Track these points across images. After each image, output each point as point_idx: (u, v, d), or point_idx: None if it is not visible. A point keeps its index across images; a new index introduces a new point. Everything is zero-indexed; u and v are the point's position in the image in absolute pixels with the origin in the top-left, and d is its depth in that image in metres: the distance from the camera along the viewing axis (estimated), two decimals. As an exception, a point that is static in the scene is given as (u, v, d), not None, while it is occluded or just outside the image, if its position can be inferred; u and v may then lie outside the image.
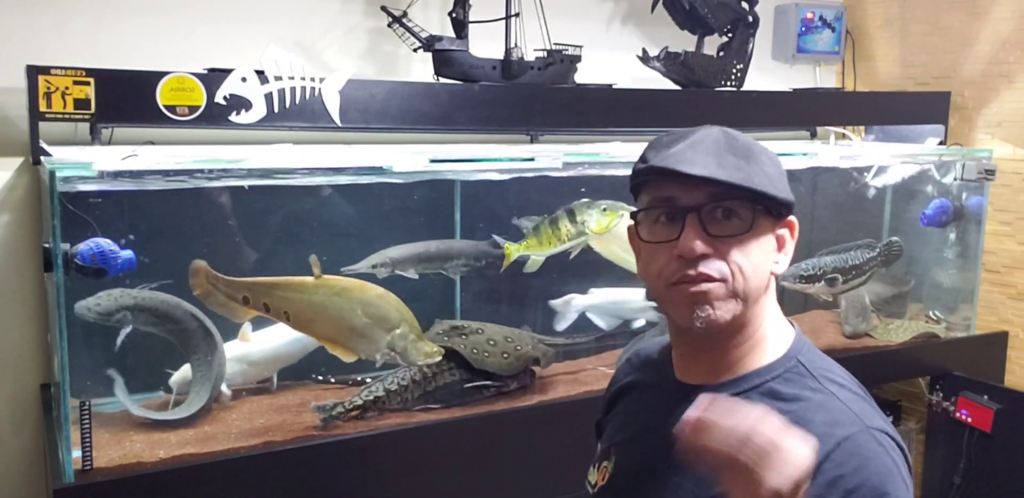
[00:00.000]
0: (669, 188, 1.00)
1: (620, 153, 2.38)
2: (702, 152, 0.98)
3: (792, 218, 1.04)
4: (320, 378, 2.29)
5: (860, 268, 2.85)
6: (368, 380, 2.22)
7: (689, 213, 0.98)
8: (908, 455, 1.01)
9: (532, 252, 2.34)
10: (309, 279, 2.04)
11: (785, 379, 1.02)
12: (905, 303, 3.15)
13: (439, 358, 2.15)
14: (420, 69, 2.58)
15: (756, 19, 2.83)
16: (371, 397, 2.11)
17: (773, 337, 1.06)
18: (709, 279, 0.98)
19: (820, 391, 1.01)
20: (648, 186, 1.03)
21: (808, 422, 0.95)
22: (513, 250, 2.32)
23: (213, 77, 1.98)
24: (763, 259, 1.01)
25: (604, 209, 2.34)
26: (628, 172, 1.06)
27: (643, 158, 1.02)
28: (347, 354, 2.08)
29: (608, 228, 2.34)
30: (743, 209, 0.99)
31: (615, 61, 2.78)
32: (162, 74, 1.94)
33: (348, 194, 2.35)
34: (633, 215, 1.06)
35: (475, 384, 2.20)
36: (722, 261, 0.99)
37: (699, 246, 0.97)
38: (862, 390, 1.06)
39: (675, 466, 1.00)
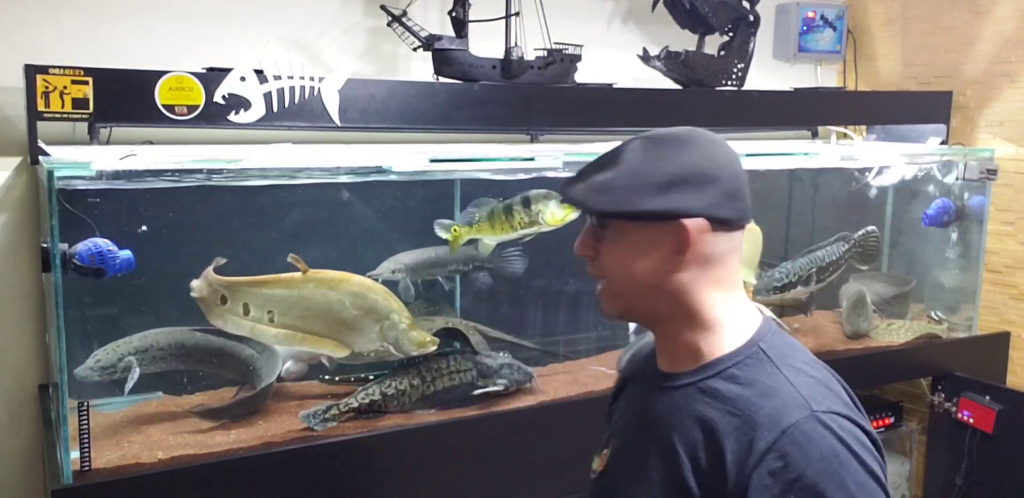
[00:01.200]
0: None
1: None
2: (585, 171, 1.13)
3: (685, 222, 1.06)
4: (326, 377, 2.28)
5: (837, 263, 2.85)
6: (371, 377, 2.20)
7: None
8: (872, 433, 1.04)
9: (484, 236, 2.32)
10: (296, 274, 2.01)
11: (745, 364, 1.08)
12: (907, 303, 3.15)
13: (433, 348, 2.12)
14: (420, 69, 2.58)
15: (757, 18, 2.82)
16: (367, 400, 2.10)
17: (732, 326, 1.12)
18: (596, 278, 1.14)
19: (774, 376, 1.06)
20: None
21: (756, 408, 1.02)
22: (463, 233, 2.30)
23: (212, 76, 1.98)
24: (632, 262, 1.10)
25: (561, 201, 2.29)
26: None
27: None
28: (337, 349, 2.06)
29: (563, 221, 2.32)
30: (605, 219, 1.11)
31: (615, 60, 2.77)
32: (161, 73, 1.93)
33: (350, 193, 2.35)
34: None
35: (482, 392, 2.19)
36: (599, 263, 1.13)
37: (577, 247, 1.14)
38: (824, 374, 1.11)
39: (648, 449, 1.10)
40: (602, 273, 1.13)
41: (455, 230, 2.29)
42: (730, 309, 1.12)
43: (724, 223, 1.08)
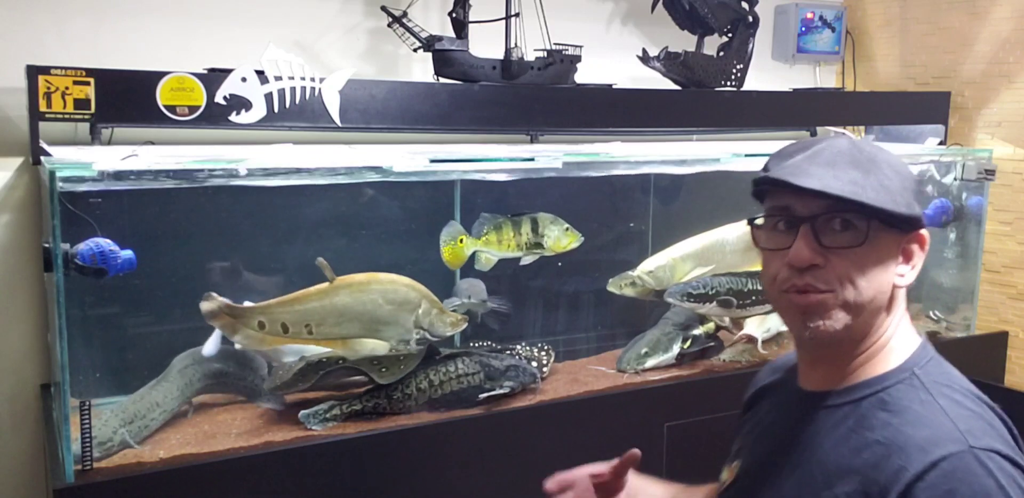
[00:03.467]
0: (786, 198, 1.01)
1: (619, 153, 2.38)
2: (820, 164, 0.99)
3: (923, 232, 1.03)
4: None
5: (762, 295, 2.54)
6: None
7: (803, 223, 1.00)
8: None
9: (488, 250, 2.33)
10: (325, 285, 2.06)
11: (896, 390, 1.01)
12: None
13: (465, 325, 2.22)
14: (420, 69, 2.58)
15: (756, 19, 2.83)
16: (371, 403, 2.10)
17: (894, 348, 1.05)
18: (817, 290, 1.00)
19: (928, 404, 0.98)
20: (769, 194, 1.05)
21: (905, 438, 0.95)
22: (469, 244, 2.31)
23: (213, 77, 1.98)
24: (879, 271, 1.01)
25: (567, 229, 2.38)
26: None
27: (765, 167, 1.05)
28: (378, 346, 2.12)
29: (565, 249, 2.37)
30: (858, 221, 0.99)
31: (615, 61, 2.78)
32: (162, 74, 1.94)
33: (349, 193, 2.35)
34: (751, 221, 1.08)
35: (488, 395, 2.19)
36: (833, 272, 0.99)
37: (808, 256, 0.99)
38: (985, 409, 1.01)
39: (786, 471, 1.04)
40: (833, 283, 1.00)
41: (461, 239, 2.30)
42: (901, 328, 1.06)
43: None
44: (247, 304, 2.03)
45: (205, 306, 1.95)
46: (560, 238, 2.37)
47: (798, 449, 1.04)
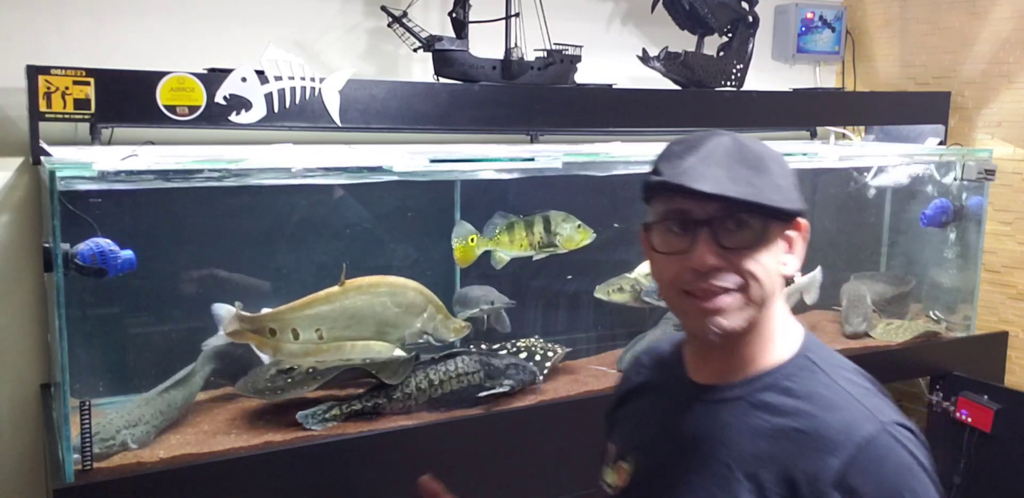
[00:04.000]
0: (681, 201, 1.00)
1: (619, 153, 2.38)
2: (713, 165, 0.99)
3: (802, 220, 1.05)
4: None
5: None
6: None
7: (701, 226, 0.99)
8: (923, 441, 1.01)
9: (501, 249, 2.34)
10: (335, 289, 2.08)
11: (798, 376, 1.03)
12: (907, 303, 3.15)
13: (467, 332, 2.24)
14: (420, 69, 2.58)
15: (756, 19, 2.83)
16: (371, 403, 2.10)
17: (783, 336, 1.07)
18: (724, 291, 1.00)
19: (832, 387, 1.02)
20: (661, 197, 1.03)
21: (822, 424, 0.98)
22: (480, 244, 2.31)
23: (213, 77, 1.98)
24: (774, 264, 1.03)
25: (579, 226, 2.38)
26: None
27: (656, 170, 1.02)
28: (385, 349, 2.14)
29: (578, 245, 2.37)
30: (755, 221, 1.00)
31: (615, 61, 2.78)
32: (162, 74, 1.94)
33: (350, 193, 2.35)
34: (645, 225, 1.07)
35: (488, 394, 2.19)
36: (735, 272, 1.00)
37: (711, 259, 0.99)
38: (873, 383, 1.07)
39: (694, 467, 1.04)
40: (739, 283, 1.01)
41: (473, 238, 2.31)
42: (782, 317, 1.08)
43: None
44: (265, 311, 2.05)
45: (228, 328, 1.98)
46: (573, 235, 2.37)
47: (705, 445, 1.03)
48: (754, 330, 1.05)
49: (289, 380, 2.09)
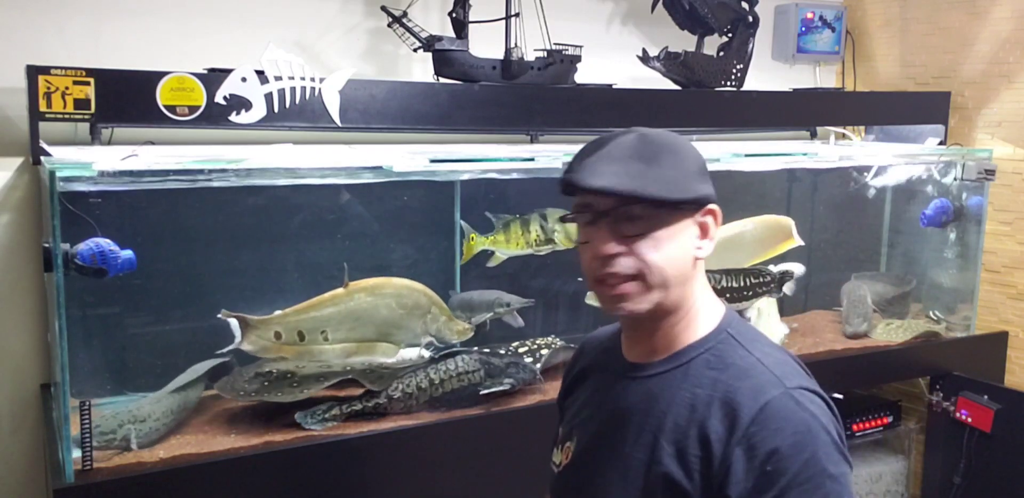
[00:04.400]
0: (586, 196, 1.11)
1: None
2: (610, 161, 1.08)
3: (712, 206, 1.13)
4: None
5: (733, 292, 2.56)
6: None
7: (601, 217, 1.10)
8: (833, 407, 1.10)
9: (498, 248, 2.34)
10: (339, 291, 2.09)
11: (719, 349, 1.13)
12: (907, 303, 3.15)
13: (471, 334, 2.25)
14: (420, 69, 2.58)
15: (756, 19, 2.83)
16: (371, 402, 2.10)
17: (704, 314, 1.16)
18: (626, 279, 1.10)
19: (746, 358, 1.11)
20: (572, 192, 1.14)
21: (734, 390, 1.07)
22: (478, 242, 2.32)
23: (213, 77, 1.98)
24: (675, 249, 1.10)
25: (584, 191, 2.34)
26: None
27: (568, 166, 1.13)
28: (389, 351, 2.15)
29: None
30: (646, 211, 1.08)
31: (615, 61, 2.78)
32: (162, 74, 1.94)
33: (350, 194, 2.35)
34: (563, 218, 1.22)
35: (488, 392, 2.19)
36: (634, 257, 1.09)
37: (610, 247, 1.09)
38: (788, 354, 1.17)
39: (626, 438, 1.13)
40: (637, 268, 1.08)
41: (472, 238, 2.32)
42: (703, 297, 1.17)
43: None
44: (277, 313, 2.07)
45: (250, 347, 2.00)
46: (572, 231, 2.37)
47: (636, 417, 1.13)
48: (673, 310, 1.14)
49: (266, 383, 2.09)
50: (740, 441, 1.03)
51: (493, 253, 2.44)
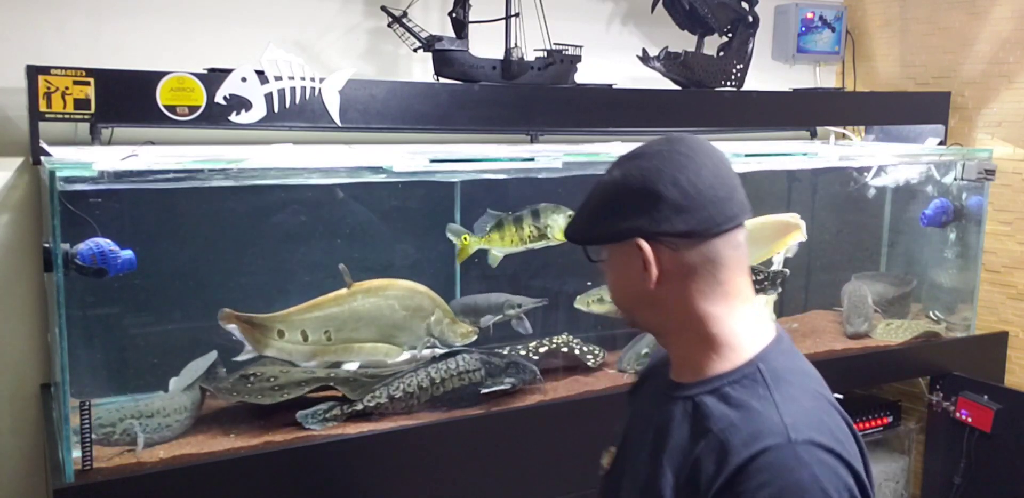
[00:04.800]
0: None
1: (619, 153, 2.38)
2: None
3: (637, 240, 1.10)
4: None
5: None
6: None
7: None
8: (861, 475, 1.02)
9: (493, 247, 2.34)
10: (343, 291, 2.11)
11: (741, 385, 1.07)
12: (908, 303, 3.16)
13: (474, 338, 2.26)
14: (420, 69, 2.58)
15: (756, 19, 2.83)
16: (373, 403, 2.10)
17: (737, 343, 1.11)
18: None
19: (764, 400, 1.05)
20: None
21: (735, 432, 1.02)
22: (472, 243, 2.31)
23: (213, 77, 1.98)
24: (620, 278, 1.15)
25: (570, 215, 2.34)
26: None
27: None
28: (391, 352, 2.18)
29: None
30: (587, 248, 1.18)
31: (615, 61, 2.78)
32: (162, 74, 1.94)
33: (349, 193, 2.35)
34: None
35: (489, 391, 2.19)
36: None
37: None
38: (823, 405, 1.08)
39: (642, 456, 1.12)
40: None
41: (465, 239, 2.31)
42: (731, 325, 1.11)
43: (683, 236, 1.08)
44: (287, 310, 2.09)
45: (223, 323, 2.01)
46: (564, 225, 2.34)
47: (656, 436, 1.11)
48: (661, 332, 1.17)
49: (248, 385, 2.10)
50: (724, 488, 0.99)
51: (488, 253, 2.41)
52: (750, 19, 2.82)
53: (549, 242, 2.37)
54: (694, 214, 1.07)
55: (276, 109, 2.04)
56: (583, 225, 1.15)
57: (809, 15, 3.27)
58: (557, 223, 2.36)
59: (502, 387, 2.20)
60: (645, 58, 2.64)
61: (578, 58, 2.53)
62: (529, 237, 2.35)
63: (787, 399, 1.05)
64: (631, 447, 1.18)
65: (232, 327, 2.01)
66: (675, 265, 1.09)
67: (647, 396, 1.23)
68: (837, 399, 1.13)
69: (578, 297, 2.56)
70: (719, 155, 1.13)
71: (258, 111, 2.02)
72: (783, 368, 1.10)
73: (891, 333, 2.93)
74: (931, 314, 3.15)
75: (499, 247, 2.35)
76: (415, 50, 2.37)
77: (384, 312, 2.14)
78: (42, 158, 1.86)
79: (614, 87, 2.58)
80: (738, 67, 2.82)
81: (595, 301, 2.56)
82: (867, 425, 3.09)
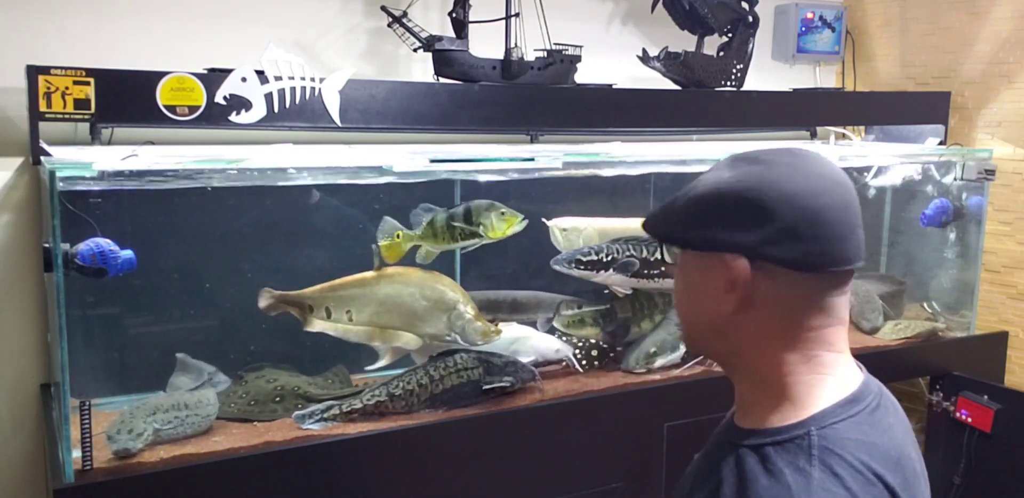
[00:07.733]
0: None
1: (619, 153, 2.38)
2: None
3: (725, 255, 0.97)
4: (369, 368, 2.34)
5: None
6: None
7: None
8: None
9: (425, 244, 2.26)
10: (368, 273, 2.16)
11: (784, 448, 0.94)
12: (902, 302, 3.15)
13: (497, 338, 2.23)
14: (420, 69, 2.58)
15: (756, 19, 2.83)
16: (372, 401, 2.10)
17: (798, 397, 0.98)
18: None
19: (802, 472, 0.91)
20: None
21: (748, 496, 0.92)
22: (405, 238, 2.25)
23: (213, 77, 1.99)
24: (688, 293, 1.05)
25: (503, 213, 2.25)
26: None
27: None
28: (412, 340, 2.19)
29: (505, 234, 2.25)
30: (669, 247, 1.07)
31: (615, 61, 2.78)
32: (162, 74, 1.94)
33: (348, 194, 2.35)
34: None
35: (490, 387, 2.19)
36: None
37: (669, 268, 1.11)
38: (870, 483, 0.93)
39: (691, 484, 1.05)
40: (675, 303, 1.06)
41: (398, 235, 2.24)
42: (800, 375, 0.99)
43: (785, 264, 0.94)
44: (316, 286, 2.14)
45: (262, 303, 2.08)
46: (496, 224, 2.24)
47: (698, 478, 1.02)
48: (724, 362, 1.05)
49: (251, 403, 2.12)
50: None
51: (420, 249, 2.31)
52: (750, 19, 2.82)
53: (482, 241, 2.26)
54: (809, 244, 0.94)
55: (276, 109, 2.04)
56: (672, 221, 1.02)
57: (809, 15, 3.28)
58: (490, 221, 2.24)
59: (502, 384, 2.20)
60: (645, 58, 2.64)
61: (578, 58, 2.53)
62: (460, 235, 2.24)
63: (829, 477, 0.91)
64: (683, 485, 1.08)
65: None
66: (765, 295, 0.96)
67: (722, 426, 1.11)
68: None
69: (556, 317, 2.46)
70: (848, 185, 0.99)
71: (258, 111, 2.02)
72: (842, 437, 0.94)
73: (899, 332, 2.93)
74: (925, 305, 3.14)
75: (432, 244, 2.26)
76: (415, 50, 2.37)
77: (405, 299, 2.16)
78: (42, 158, 1.86)
79: (614, 87, 2.58)
80: (738, 67, 2.82)
81: (575, 323, 2.46)
82: (867, 425, 3.09)
